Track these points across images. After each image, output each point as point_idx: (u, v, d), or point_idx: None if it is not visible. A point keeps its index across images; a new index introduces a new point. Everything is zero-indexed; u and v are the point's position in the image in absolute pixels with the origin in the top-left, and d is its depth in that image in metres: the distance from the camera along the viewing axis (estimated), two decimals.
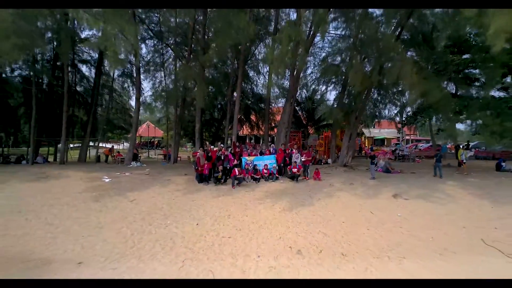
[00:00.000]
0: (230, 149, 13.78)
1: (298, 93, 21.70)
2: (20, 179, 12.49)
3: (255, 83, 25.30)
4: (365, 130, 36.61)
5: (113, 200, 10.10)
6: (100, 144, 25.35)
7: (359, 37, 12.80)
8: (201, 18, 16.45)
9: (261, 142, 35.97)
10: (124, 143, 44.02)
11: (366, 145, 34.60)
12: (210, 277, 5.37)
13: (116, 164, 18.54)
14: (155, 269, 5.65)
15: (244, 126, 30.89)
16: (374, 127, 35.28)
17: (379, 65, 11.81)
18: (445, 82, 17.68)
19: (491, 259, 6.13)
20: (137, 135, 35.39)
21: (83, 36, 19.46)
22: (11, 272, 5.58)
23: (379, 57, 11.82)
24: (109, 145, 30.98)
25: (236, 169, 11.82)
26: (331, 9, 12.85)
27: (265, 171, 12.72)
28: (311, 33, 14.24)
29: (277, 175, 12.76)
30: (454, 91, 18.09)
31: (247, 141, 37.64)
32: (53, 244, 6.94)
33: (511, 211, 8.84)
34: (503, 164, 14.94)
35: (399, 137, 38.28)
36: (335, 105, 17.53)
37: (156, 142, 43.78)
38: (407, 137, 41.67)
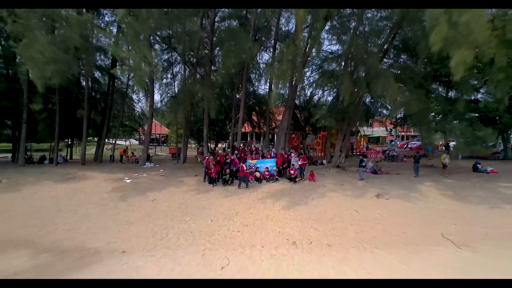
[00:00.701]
0: (235, 153, 15.33)
1: (297, 95, 23.12)
2: (52, 180, 14.08)
3: (256, 85, 26.77)
4: (360, 128, 38.08)
5: (137, 200, 11.72)
6: (109, 142, 26.91)
7: (350, 55, 14.23)
8: (208, 28, 17.80)
9: (261, 139, 37.61)
10: (130, 140, 45.68)
11: (362, 144, 36.12)
12: (226, 262, 6.99)
13: (130, 164, 20.15)
14: (183, 257, 7.26)
15: (245, 125, 32.43)
16: (371, 126, 36.74)
17: (366, 80, 13.26)
18: (437, 84, 19.17)
19: (445, 249, 7.74)
20: (142, 132, 37.05)
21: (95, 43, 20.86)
22: (73, 259, 7.20)
23: (366, 74, 13.27)
24: (121, 143, 32.53)
25: (243, 165, 13.37)
26: (324, 28, 14.21)
27: (266, 173, 14.30)
28: (307, 47, 15.63)
29: (277, 177, 14.36)
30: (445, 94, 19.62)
31: (249, 139, 39.22)
32: (97, 237, 8.56)
33: (473, 209, 10.45)
34: (479, 165, 16.52)
35: (393, 135, 39.82)
36: (331, 109, 19.05)
37: (162, 139, 45.30)
38: (402, 133, 43.19)
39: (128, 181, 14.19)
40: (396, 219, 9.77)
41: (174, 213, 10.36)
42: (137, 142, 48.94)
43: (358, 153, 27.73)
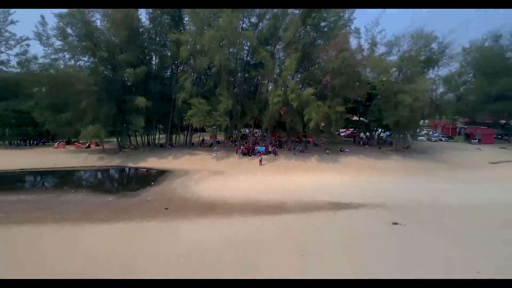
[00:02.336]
0: (249, 144, 40.53)
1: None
2: (188, 155, 39.53)
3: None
4: None
5: (221, 161, 37.25)
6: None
7: None
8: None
9: (260, 128, 62.70)
10: None
11: None
12: (251, 177, 32.55)
13: (205, 147, 45.42)
14: (242, 177, 32.80)
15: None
16: None
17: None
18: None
19: (304, 175, 33.32)
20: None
21: None
22: (213, 174, 32.84)
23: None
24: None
25: (261, 157, 38.76)
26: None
27: (262, 152, 39.70)
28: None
29: (265, 153, 39.77)
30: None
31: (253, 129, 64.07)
32: (217, 168, 34.21)
33: (322, 165, 35.97)
34: (342, 148, 41.83)
35: None
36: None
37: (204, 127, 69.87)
38: None
39: (214, 155, 39.67)
40: (297, 167, 35.35)
41: (236, 165, 35.94)
42: None
43: (307, 139, 53.06)
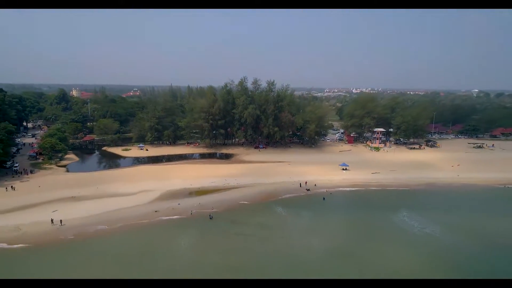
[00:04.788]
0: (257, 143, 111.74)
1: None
2: (235, 148, 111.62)
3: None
4: None
5: (248, 150, 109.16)
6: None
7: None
8: None
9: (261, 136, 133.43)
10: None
11: None
12: (259, 156, 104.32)
13: (239, 144, 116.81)
14: (258, 156, 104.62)
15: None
16: None
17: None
18: None
19: (275, 155, 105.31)
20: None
21: None
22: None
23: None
24: None
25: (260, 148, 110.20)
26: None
27: (261, 147, 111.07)
28: None
29: (262, 147, 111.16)
30: None
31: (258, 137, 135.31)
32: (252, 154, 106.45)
33: (280, 152, 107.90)
34: (290, 145, 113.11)
35: None
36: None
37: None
38: None
39: (244, 148, 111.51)
40: (271, 153, 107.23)
41: (252, 151, 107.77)
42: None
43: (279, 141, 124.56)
